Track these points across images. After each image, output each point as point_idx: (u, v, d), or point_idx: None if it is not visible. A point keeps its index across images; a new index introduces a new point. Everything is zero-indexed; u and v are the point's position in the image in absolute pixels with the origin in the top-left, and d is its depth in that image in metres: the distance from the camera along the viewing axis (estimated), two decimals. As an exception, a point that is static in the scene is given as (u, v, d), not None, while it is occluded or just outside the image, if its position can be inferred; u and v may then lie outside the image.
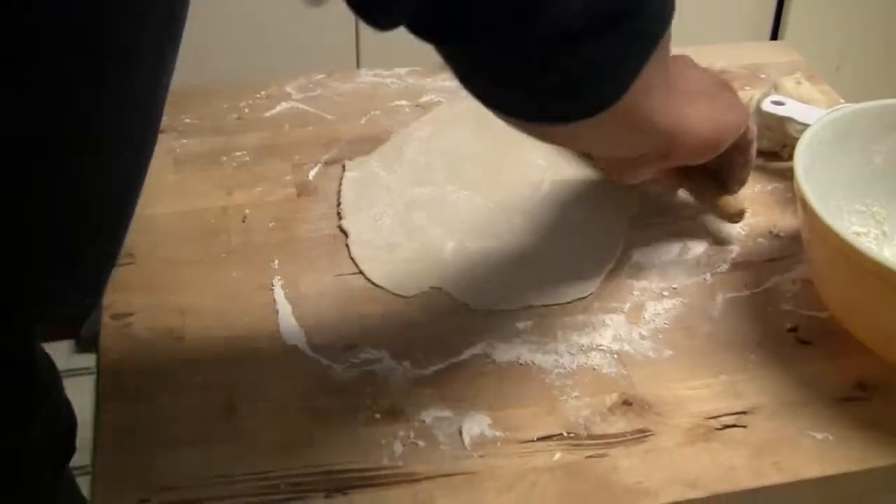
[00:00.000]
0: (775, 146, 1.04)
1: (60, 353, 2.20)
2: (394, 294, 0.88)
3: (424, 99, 1.13)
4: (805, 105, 1.02)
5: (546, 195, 0.99)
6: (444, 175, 1.02)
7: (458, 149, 1.06)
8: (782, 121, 1.01)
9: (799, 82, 1.06)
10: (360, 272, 0.90)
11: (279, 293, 0.87)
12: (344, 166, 1.02)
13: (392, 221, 0.96)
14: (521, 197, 0.99)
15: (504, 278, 0.90)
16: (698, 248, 0.93)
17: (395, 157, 1.04)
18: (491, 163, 1.04)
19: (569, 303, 0.87)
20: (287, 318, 0.85)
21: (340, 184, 1.00)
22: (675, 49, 1.18)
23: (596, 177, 1.01)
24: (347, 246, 0.93)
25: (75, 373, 2.13)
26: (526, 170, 1.03)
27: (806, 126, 0.89)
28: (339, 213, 0.96)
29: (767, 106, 1.02)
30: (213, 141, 1.05)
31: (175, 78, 1.22)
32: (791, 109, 1.01)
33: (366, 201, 0.98)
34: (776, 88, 1.06)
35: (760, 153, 1.04)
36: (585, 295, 0.88)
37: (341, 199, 0.98)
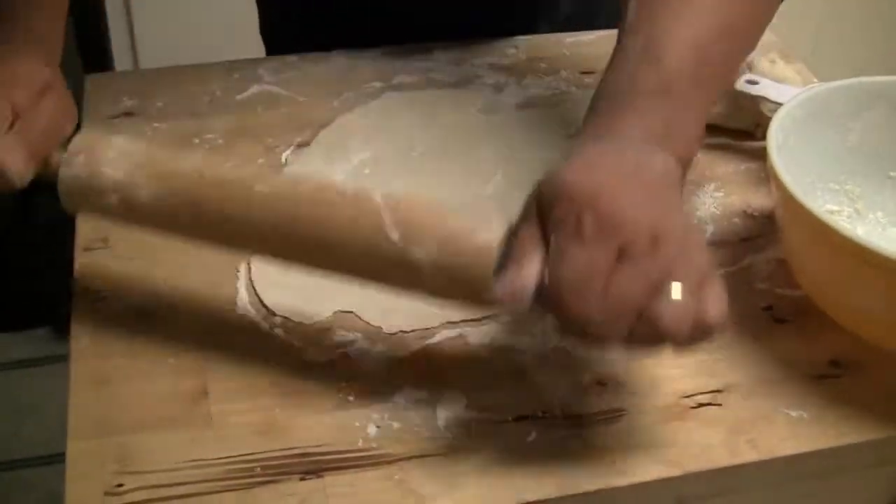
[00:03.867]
0: (749, 126, 1.04)
1: (39, 339, 2.20)
2: (295, 322, 0.82)
3: (397, 80, 1.12)
4: (779, 84, 1.02)
5: (493, 193, 0.97)
6: (392, 171, 0.99)
7: (407, 140, 1.03)
8: (756, 100, 1.01)
9: (773, 61, 1.06)
10: (258, 298, 0.84)
11: (253, 276, 0.87)
12: (285, 160, 1.00)
13: None
14: (471, 194, 0.97)
15: (411, 304, 0.77)
16: (672, 227, 0.93)
17: (340, 152, 1.01)
18: (440, 156, 1.01)
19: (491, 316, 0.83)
20: (260, 302, 0.84)
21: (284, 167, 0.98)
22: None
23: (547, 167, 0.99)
24: (249, 266, 0.87)
25: (55, 360, 2.12)
26: (475, 165, 1.00)
27: (779, 105, 0.89)
28: None
29: (741, 85, 1.01)
30: (186, 124, 1.04)
31: (147, 62, 1.21)
32: (765, 88, 1.01)
33: None
34: (750, 68, 1.06)
35: (734, 133, 1.05)
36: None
37: None
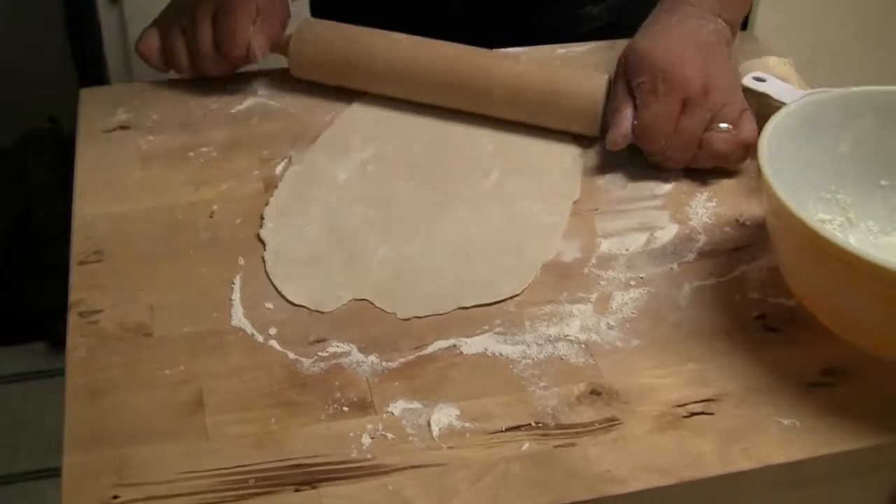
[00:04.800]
0: None
1: (35, 354, 2.19)
2: (312, 310, 0.85)
3: (392, 92, 1.13)
4: (784, 84, 1.02)
5: (494, 184, 0.99)
6: (394, 168, 1.01)
7: (407, 134, 1.05)
8: (759, 97, 1.02)
9: (784, 64, 1.07)
10: (275, 289, 0.87)
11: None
12: (290, 158, 1.02)
13: (319, 228, 0.93)
14: (469, 185, 0.99)
15: (435, 281, 0.88)
16: (665, 237, 0.94)
17: (341, 148, 1.03)
18: (440, 149, 1.04)
19: (503, 301, 0.87)
20: (255, 313, 0.85)
21: (280, 180, 0.99)
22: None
23: (542, 160, 1.03)
24: (263, 259, 0.90)
25: (49, 374, 2.12)
26: (476, 156, 1.03)
27: (780, 104, 0.90)
28: (262, 217, 0.95)
29: (748, 81, 1.02)
30: (181, 137, 1.05)
31: (142, 75, 1.23)
32: (770, 86, 1.01)
33: (300, 203, 0.96)
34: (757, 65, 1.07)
35: None
36: (519, 292, 0.87)
37: (270, 201, 0.96)
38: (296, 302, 0.86)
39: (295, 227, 0.93)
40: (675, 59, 0.99)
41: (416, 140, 1.05)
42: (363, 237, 0.92)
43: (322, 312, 0.85)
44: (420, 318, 0.85)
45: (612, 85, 1.05)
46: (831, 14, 2.54)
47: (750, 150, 0.98)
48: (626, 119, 0.99)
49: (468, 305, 0.86)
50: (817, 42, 2.53)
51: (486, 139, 1.05)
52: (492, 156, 1.03)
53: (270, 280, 0.88)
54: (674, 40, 1.02)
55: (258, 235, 0.92)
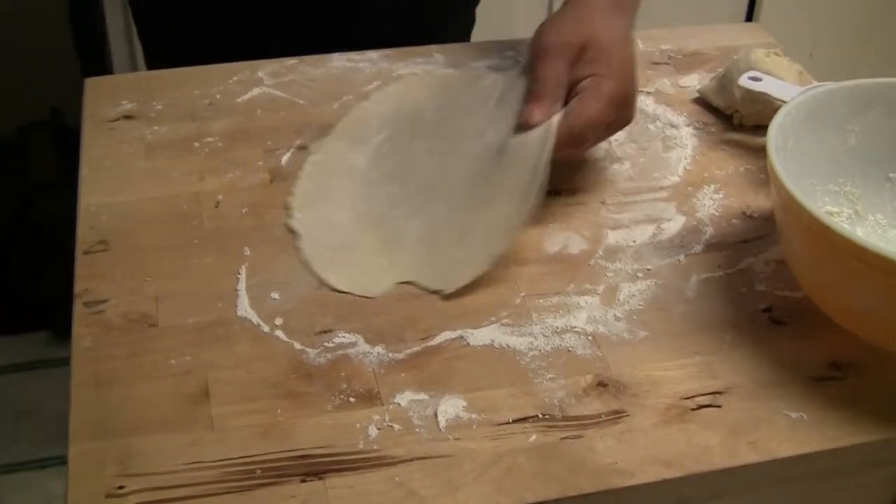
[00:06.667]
0: (726, 108, 1.08)
1: (39, 343, 2.20)
2: (359, 297, 0.86)
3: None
4: (781, 81, 1.02)
5: (505, 157, 0.97)
6: (406, 135, 1.02)
7: (424, 117, 1.05)
8: (757, 95, 1.02)
9: (768, 55, 1.07)
10: (319, 278, 0.88)
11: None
12: (309, 148, 1.02)
13: (347, 214, 0.94)
14: (479, 141, 0.98)
15: (465, 244, 0.89)
16: (672, 229, 0.93)
17: (358, 136, 1.03)
18: (454, 132, 1.03)
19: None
20: (261, 304, 0.84)
21: (298, 169, 0.99)
22: (652, 31, 1.18)
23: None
24: (298, 249, 0.90)
25: (53, 363, 2.12)
26: (490, 134, 1.01)
27: (780, 101, 0.90)
28: (287, 207, 0.95)
29: (745, 82, 1.02)
30: (185, 127, 1.04)
31: (145, 65, 1.21)
32: (767, 85, 1.01)
33: (324, 191, 0.97)
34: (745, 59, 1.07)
35: (714, 111, 1.08)
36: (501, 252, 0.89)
37: (294, 191, 0.96)
38: (341, 289, 0.86)
39: (324, 216, 0.94)
40: (621, 65, 0.94)
41: (428, 125, 1.04)
42: (391, 215, 0.93)
43: (368, 298, 0.86)
44: (464, 287, 0.86)
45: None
46: (832, 8, 2.54)
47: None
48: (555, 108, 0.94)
49: (497, 254, 0.88)
50: (817, 36, 2.53)
51: (497, 118, 1.03)
52: (504, 133, 1.00)
53: (311, 269, 0.88)
54: (618, 39, 0.96)
55: (286, 225, 0.92)
